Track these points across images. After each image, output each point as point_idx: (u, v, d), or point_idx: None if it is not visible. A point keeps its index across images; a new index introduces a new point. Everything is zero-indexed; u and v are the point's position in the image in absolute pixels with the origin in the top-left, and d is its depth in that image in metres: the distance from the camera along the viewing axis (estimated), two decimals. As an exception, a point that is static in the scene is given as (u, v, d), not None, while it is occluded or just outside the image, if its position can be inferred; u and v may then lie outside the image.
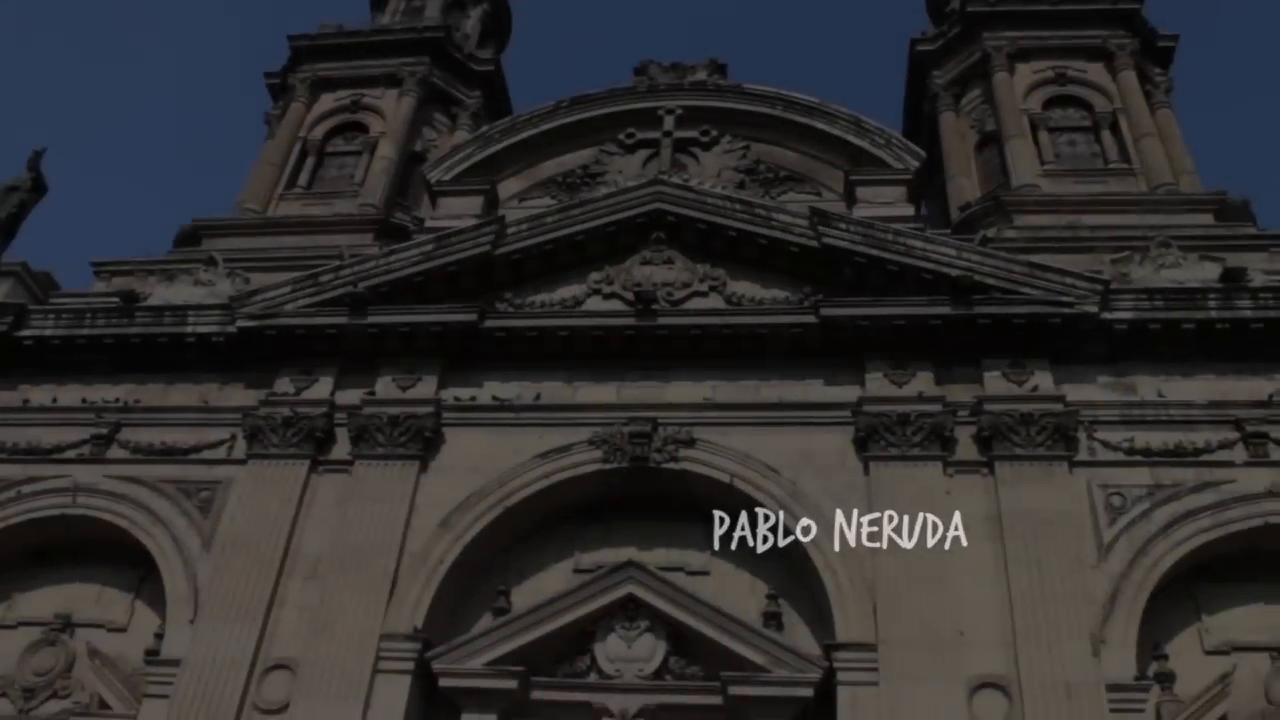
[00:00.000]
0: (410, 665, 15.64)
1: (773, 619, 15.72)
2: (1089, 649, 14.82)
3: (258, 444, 17.86)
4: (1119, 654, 15.07)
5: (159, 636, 16.71)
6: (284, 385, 18.48)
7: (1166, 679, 15.45)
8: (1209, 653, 16.05)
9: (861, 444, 16.64)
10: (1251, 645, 16.09)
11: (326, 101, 26.90)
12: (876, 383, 17.14)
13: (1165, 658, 15.64)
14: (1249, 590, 16.48)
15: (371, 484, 17.15)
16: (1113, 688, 14.67)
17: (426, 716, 15.91)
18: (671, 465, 16.75)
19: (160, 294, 20.30)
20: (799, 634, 15.91)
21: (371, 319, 18.33)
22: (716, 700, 15.18)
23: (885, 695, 14.53)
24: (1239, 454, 16.74)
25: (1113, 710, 14.53)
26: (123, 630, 17.62)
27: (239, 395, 18.86)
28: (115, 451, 18.56)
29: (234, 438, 18.30)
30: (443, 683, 15.71)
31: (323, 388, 18.36)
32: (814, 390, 17.44)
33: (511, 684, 15.49)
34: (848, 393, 17.19)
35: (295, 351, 18.69)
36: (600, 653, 15.84)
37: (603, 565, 16.53)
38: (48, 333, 19.50)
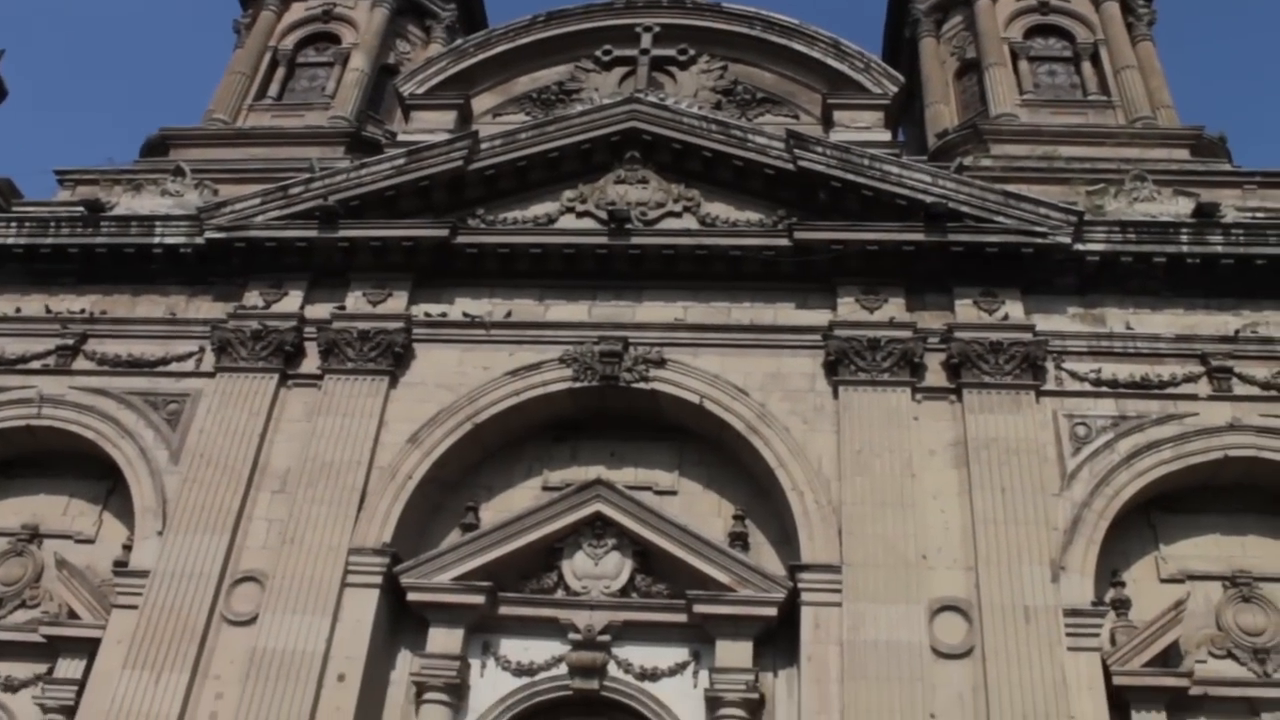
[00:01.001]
0: (378, 579, 15.75)
1: (739, 539, 15.92)
2: (1048, 574, 15.10)
3: (226, 357, 17.73)
4: (1077, 580, 15.38)
5: (127, 548, 16.78)
6: (253, 298, 18.29)
7: (1122, 605, 15.81)
8: (1165, 581, 16.42)
9: (831, 368, 16.71)
10: (1205, 574, 16.48)
11: (297, 10, 26.23)
12: (848, 307, 17.14)
13: (1122, 585, 16.00)
14: (1205, 521, 16.84)
15: (341, 398, 17.09)
16: (1070, 612, 15.00)
17: (395, 630, 16.07)
18: (641, 385, 16.77)
19: (126, 204, 19.94)
20: (765, 554, 16.15)
21: (342, 233, 18.10)
22: (682, 618, 15.42)
23: (848, 615, 14.78)
24: (1203, 388, 16.94)
25: (1069, 634, 14.86)
26: (91, 541, 17.68)
27: (207, 308, 18.67)
28: (81, 363, 18.39)
29: (202, 350, 18.16)
30: (411, 597, 15.84)
31: (292, 301, 18.19)
32: (785, 313, 17.44)
33: (479, 599, 15.64)
34: (819, 317, 17.20)
35: (264, 264, 18.47)
36: (567, 569, 16.03)
37: (571, 483, 16.64)
38: (10, 241, 19.16)
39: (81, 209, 19.47)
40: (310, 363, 17.73)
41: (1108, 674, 14.96)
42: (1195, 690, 15.34)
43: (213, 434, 17.04)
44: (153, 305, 18.91)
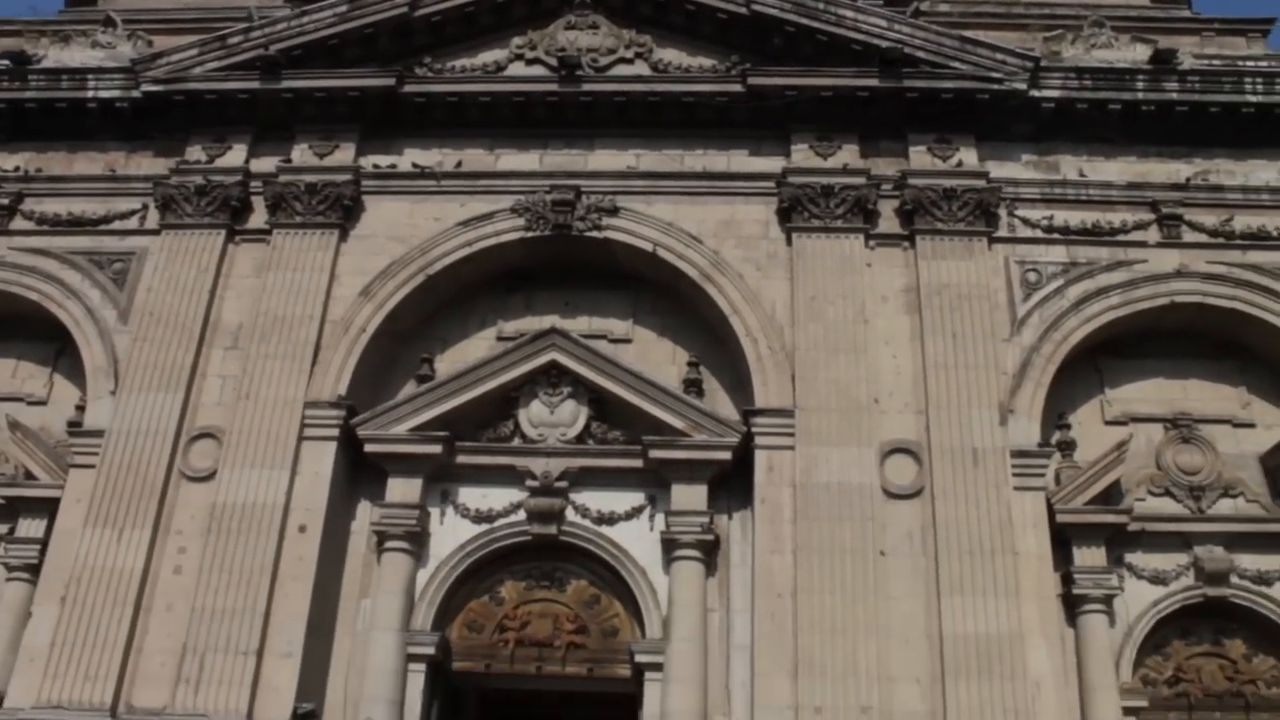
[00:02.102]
0: (335, 432, 15.77)
1: (693, 386, 16.05)
2: (997, 417, 15.42)
3: (171, 214, 17.32)
4: (1025, 422, 15.73)
5: (80, 408, 16.65)
6: (195, 153, 17.77)
7: (1068, 447, 16.21)
8: (1109, 423, 16.83)
9: (785, 215, 16.63)
10: (1148, 416, 16.89)
11: None
12: (802, 154, 16.98)
13: (1068, 427, 16.39)
14: (1150, 366, 17.18)
15: (290, 253, 16.82)
16: (1017, 454, 15.38)
17: (354, 482, 16.19)
18: (595, 234, 16.63)
19: (55, 56, 19.07)
20: (719, 400, 16.34)
21: (285, 84, 17.51)
22: (637, 463, 15.65)
23: (801, 458, 15.06)
24: (1153, 235, 17.09)
25: (1015, 474, 15.26)
26: (43, 403, 17.51)
27: (148, 164, 18.13)
28: (19, 223, 17.88)
29: (146, 208, 17.71)
30: (368, 449, 15.91)
31: (236, 155, 17.70)
32: (739, 161, 17.25)
33: (436, 449, 15.74)
34: (772, 164, 17.03)
35: (206, 118, 17.90)
36: (524, 418, 16.13)
37: (525, 333, 16.61)
38: (-71, 96, 18.40)
39: (7, 62, 18.62)
40: (258, 218, 17.37)
41: (1051, 512, 15.44)
42: (1134, 526, 15.89)
43: (161, 292, 16.77)
44: (90, 162, 18.34)
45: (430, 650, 15.26)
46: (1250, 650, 16.24)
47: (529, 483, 15.67)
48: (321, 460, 15.64)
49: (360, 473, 16.19)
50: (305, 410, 15.79)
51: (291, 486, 15.38)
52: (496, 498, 15.83)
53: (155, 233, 17.43)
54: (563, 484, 15.63)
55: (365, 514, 16.15)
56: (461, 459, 16.00)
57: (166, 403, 15.99)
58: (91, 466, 15.76)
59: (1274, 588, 16.07)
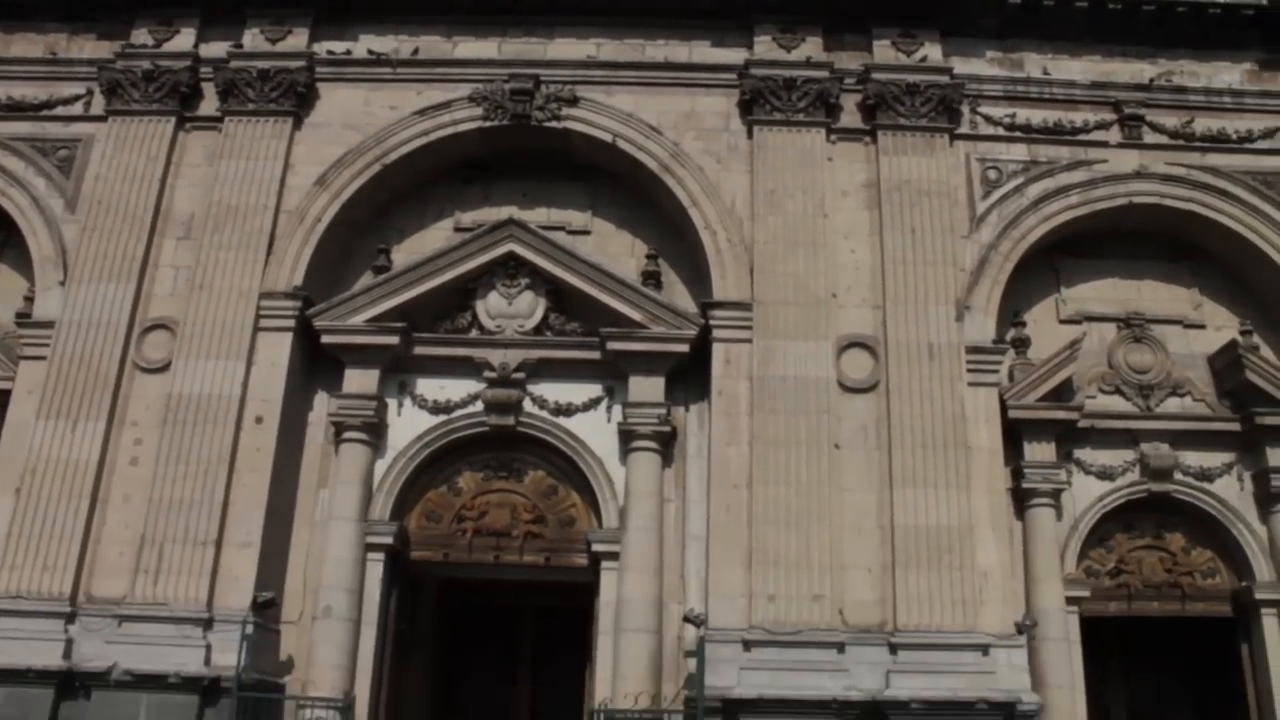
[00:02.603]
0: (291, 323, 15.64)
1: (652, 278, 16.02)
2: (953, 313, 15.54)
3: (118, 100, 16.82)
4: (981, 319, 15.87)
5: (29, 299, 16.31)
6: (141, 36, 17.19)
7: (1022, 344, 16.40)
8: (1063, 321, 17.03)
9: (746, 107, 16.43)
10: (1102, 316, 17.11)
11: None
12: (764, 46, 16.71)
13: (1023, 324, 16.55)
14: (1105, 266, 17.35)
15: (243, 141, 16.44)
16: (972, 350, 15.55)
17: (310, 373, 16.12)
18: (554, 124, 16.36)
19: (-15, -70, 18.33)
20: (677, 293, 16.34)
21: (233, -38, 17.02)
22: (595, 355, 15.66)
23: (758, 351, 15.13)
24: (1114, 135, 17.08)
25: (970, 370, 15.45)
26: (-12, 294, 17.17)
27: (91, 47, 17.49)
28: (-45, 108, 17.33)
29: (90, 93, 17.16)
30: (325, 340, 15.80)
31: (185, 40, 17.13)
32: (701, 52, 16.96)
33: (393, 340, 15.67)
34: (735, 55, 16.75)
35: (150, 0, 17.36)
36: (481, 309, 16.06)
37: (483, 224, 16.41)
38: None
39: (-65, -60, 17.85)
40: (208, 105, 16.92)
41: (1004, 407, 15.69)
42: (1084, 423, 16.21)
43: (110, 180, 16.38)
44: (29, 44, 17.67)
45: (389, 540, 15.37)
46: (1189, 543, 16.73)
47: (486, 374, 15.66)
48: (277, 351, 15.52)
49: (317, 364, 16.10)
50: (260, 301, 15.62)
51: (248, 377, 15.29)
52: (454, 389, 15.82)
53: (102, 119, 16.94)
54: (520, 375, 15.65)
55: (323, 405, 16.11)
56: (419, 350, 15.93)
57: (118, 293, 15.75)
58: (42, 358, 15.57)
59: (1215, 484, 16.51)
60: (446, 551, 15.81)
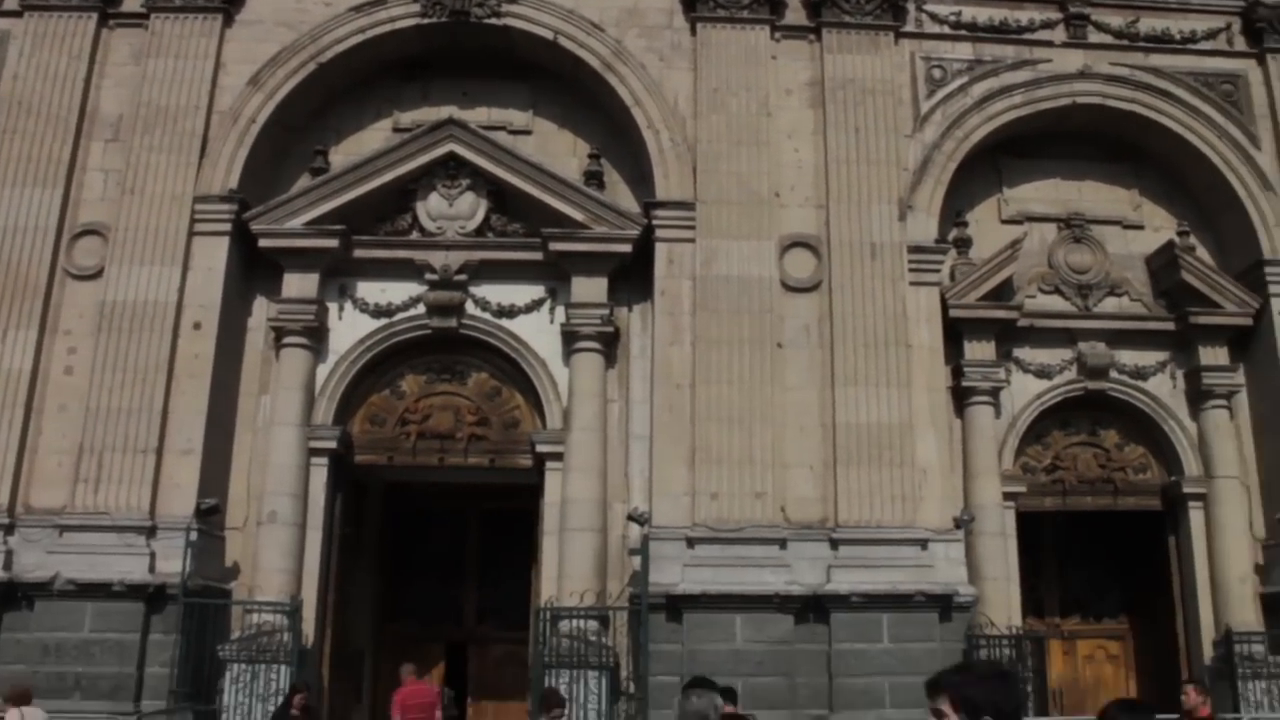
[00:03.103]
0: (227, 227, 15.33)
1: (594, 178, 15.84)
2: (896, 213, 15.56)
3: (34, -8, 16.18)
4: (923, 219, 15.93)
5: (-53, 209, 15.80)
6: (58, -73, 16.51)
7: (964, 244, 16.50)
8: (1005, 221, 17.16)
9: (689, 4, 16.13)
10: (1043, 216, 17.26)
11: None
12: (710, -61, 16.42)
13: (965, 224, 16.65)
14: (1048, 166, 17.45)
15: (171, 39, 15.89)
16: (914, 249, 15.61)
17: (248, 278, 15.85)
18: (493, 20, 15.94)
19: None
20: (620, 193, 16.20)
21: None
22: (537, 256, 15.53)
23: (701, 251, 15.09)
24: (1059, 34, 17.06)
25: (911, 269, 15.54)
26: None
27: (6, -62, 16.79)
28: None
29: (0, -11, 16.48)
30: (262, 243, 15.52)
31: (102, -71, 16.50)
32: (643, -54, 16.62)
33: (333, 243, 15.41)
34: (678, -51, 16.44)
35: (62, -114, 16.57)
36: (422, 211, 15.82)
37: (422, 124, 16.13)
38: None
39: None
40: (133, 1, 16.29)
41: (945, 307, 15.83)
42: (1023, 322, 16.42)
43: (30, 80, 15.80)
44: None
45: (332, 444, 15.32)
46: (1122, 440, 17.14)
47: (428, 276, 15.48)
48: (214, 256, 15.22)
49: (255, 268, 15.82)
50: (195, 205, 15.26)
51: (184, 283, 15.01)
52: (395, 292, 15.64)
53: (17, 14, 16.24)
54: (462, 277, 15.48)
55: (262, 310, 15.89)
56: (359, 253, 15.70)
57: (45, 198, 15.30)
58: (-32, 277, 15.14)
59: (1149, 382, 16.87)
60: (391, 455, 15.79)
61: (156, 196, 15.28)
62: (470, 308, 15.61)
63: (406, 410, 15.84)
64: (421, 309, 15.59)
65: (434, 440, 15.71)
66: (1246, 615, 15.98)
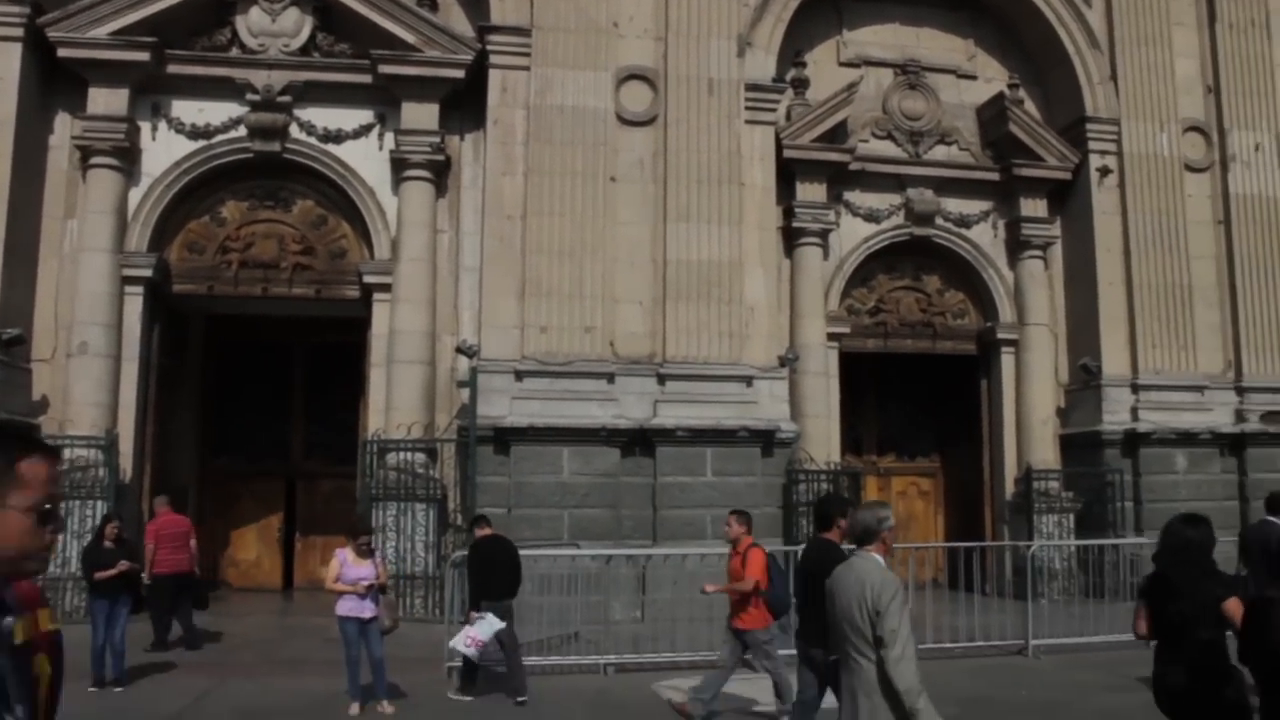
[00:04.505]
0: (20, 32, 14.14)
1: (427, -1, 15.17)
2: (734, 49, 15.36)
3: None
4: (762, 57, 15.81)
5: None
6: None
7: (801, 84, 16.49)
8: (843, 64, 17.19)
9: None
10: (881, 61, 17.34)
11: None
12: None
13: (803, 65, 16.62)
14: (888, 10, 17.49)
15: None
16: (751, 87, 15.51)
17: (49, 92, 14.70)
18: None
19: None
20: (454, 16, 15.56)
21: None
22: (366, 79, 14.85)
23: (536, 80, 14.68)
24: (905, -124, 16.90)
25: (748, 107, 15.45)
26: None
27: None
28: None
29: None
30: (63, 54, 14.35)
31: None
32: None
33: (143, 55, 14.36)
34: None
35: None
36: (242, 26, 14.87)
37: (241, -72, 14.98)
38: None
39: None
40: None
41: (780, 147, 15.87)
42: (855, 166, 16.64)
43: None
44: None
45: (147, 272, 14.62)
46: (944, 285, 17.75)
47: (249, 96, 14.66)
48: (6, 65, 14.06)
49: (56, 81, 14.69)
50: (-22, 7, 13.98)
51: (-31, 109, 13.84)
52: (214, 112, 14.78)
53: None
54: (286, 99, 14.72)
55: (65, 127, 14.83)
56: (173, 69, 14.70)
57: None
58: None
59: (972, 230, 17.41)
60: (211, 284, 15.18)
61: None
62: (295, 131, 14.90)
63: (228, 238, 15.16)
64: (243, 131, 14.80)
65: (257, 270, 15.13)
66: (1046, 455, 17.03)
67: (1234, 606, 5.03)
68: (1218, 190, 17.55)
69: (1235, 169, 17.52)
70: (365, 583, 8.65)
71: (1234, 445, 16.73)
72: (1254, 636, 4.74)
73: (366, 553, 8.87)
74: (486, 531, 9.85)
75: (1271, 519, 10.32)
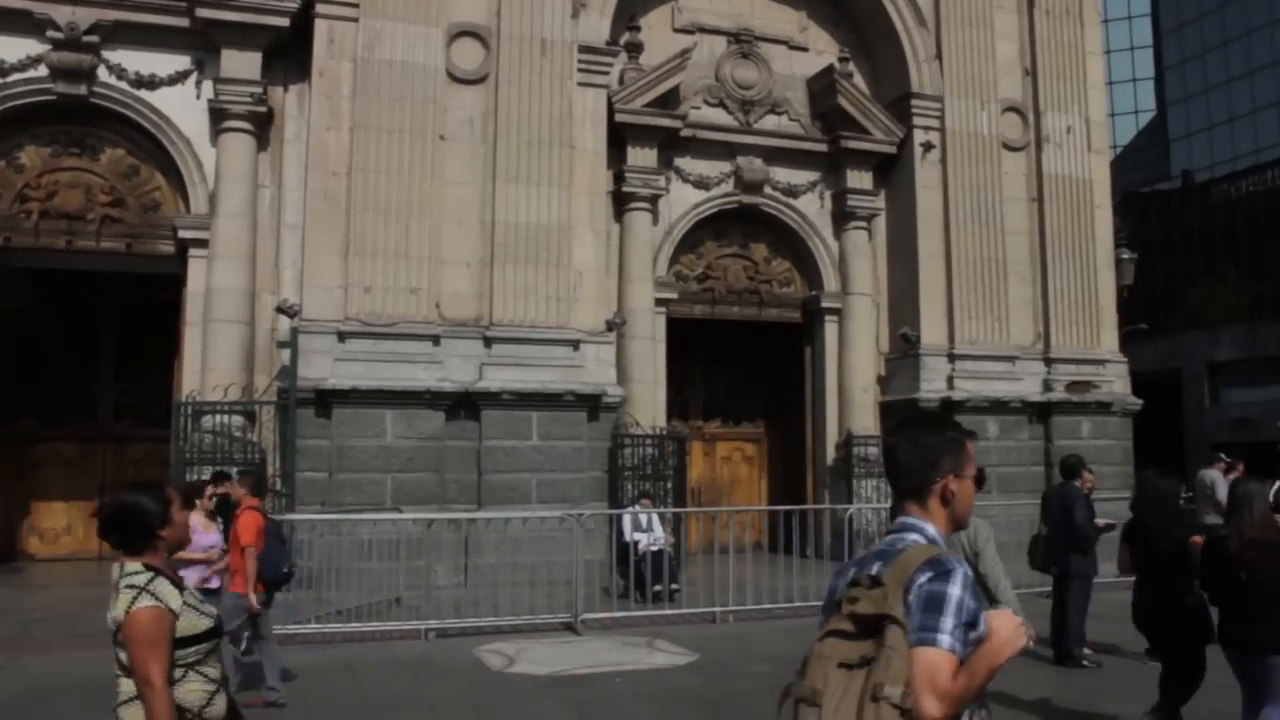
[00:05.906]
0: None
1: (250, -59, 14.42)
2: (569, 10, 15.27)
3: None
4: (596, 19, 15.76)
5: None
6: None
7: (635, 49, 16.49)
8: (677, 30, 17.29)
9: None
10: (715, 29, 17.51)
11: None
12: None
13: (638, 29, 16.63)
14: (723, -25, 17.60)
15: None
16: (584, 49, 15.45)
17: None
18: None
19: None
20: (278, -39, 14.88)
21: None
22: (183, 22, 14.02)
23: (364, 32, 14.25)
24: None
25: (580, 70, 15.39)
26: None
27: None
28: None
29: None
30: None
31: None
32: None
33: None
34: None
35: None
36: (46, -38, 13.84)
37: None
38: None
39: None
40: None
41: (611, 111, 15.85)
42: (686, 132, 16.79)
43: None
44: None
45: (-64, 219, 13.64)
46: (771, 254, 18.14)
47: (51, 34, 13.66)
48: None
49: None
50: None
51: None
52: (10, 48, 13.65)
53: None
54: (93, 38, 13.79)
55: None
56: (-34, 4, 13.60)
57: None
58: None
59: (799, 200, 17.81)
60: (8, 235, 14.21)
61: None
62: (104, 74, 14.01)
63: (27, 185, 14.20)
64: (44, 70, 13.80)
65: (61, 220, 14.25)
66: (866, 421, 17.65)
67: (1198, 542, 6.29)
68: (1032, 169, 18.43)
69: (1049, 149, 18.42)
70: (215, 549, 8.31)
71: (1041, 413, 17.70)
72: (1209, 564, 5.90)
73: (213, 517, 8.52)
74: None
75: (1068, 481, 10.94)
